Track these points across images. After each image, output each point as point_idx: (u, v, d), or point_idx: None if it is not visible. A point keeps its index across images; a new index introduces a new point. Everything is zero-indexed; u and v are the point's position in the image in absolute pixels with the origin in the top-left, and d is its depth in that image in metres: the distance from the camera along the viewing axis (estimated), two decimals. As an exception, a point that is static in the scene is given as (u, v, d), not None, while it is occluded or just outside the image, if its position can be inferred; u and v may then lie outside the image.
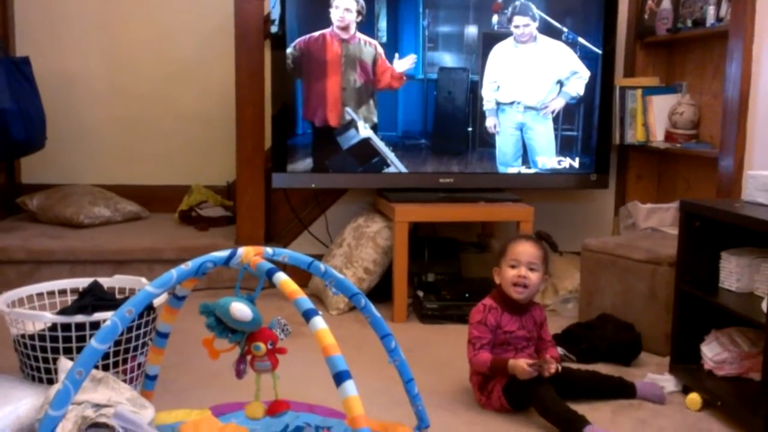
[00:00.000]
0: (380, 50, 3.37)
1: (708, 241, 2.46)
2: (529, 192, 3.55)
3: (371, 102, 3.40)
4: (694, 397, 2.34)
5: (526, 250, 2.31)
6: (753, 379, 2.32)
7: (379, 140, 3.42)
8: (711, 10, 3.14)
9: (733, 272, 2.38)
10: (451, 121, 3.47)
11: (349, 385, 1.33)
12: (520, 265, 2.29)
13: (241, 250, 1.57)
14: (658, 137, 3.55)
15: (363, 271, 3.31)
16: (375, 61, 3.37)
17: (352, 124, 3.39)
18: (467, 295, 3.16)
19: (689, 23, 3.32)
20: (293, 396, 1.88)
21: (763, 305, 2.10)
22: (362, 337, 2.83)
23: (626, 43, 3.76)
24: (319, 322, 1.39)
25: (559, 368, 2.26)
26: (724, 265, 2.41)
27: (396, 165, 3.44)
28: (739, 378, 2.36)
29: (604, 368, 2.62)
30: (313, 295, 3.46)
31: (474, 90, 3.45)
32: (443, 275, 3.32)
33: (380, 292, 3.32)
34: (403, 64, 3.40)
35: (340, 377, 1.34)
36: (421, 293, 3.27)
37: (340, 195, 3.76)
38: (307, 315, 1.40)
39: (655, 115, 3.55)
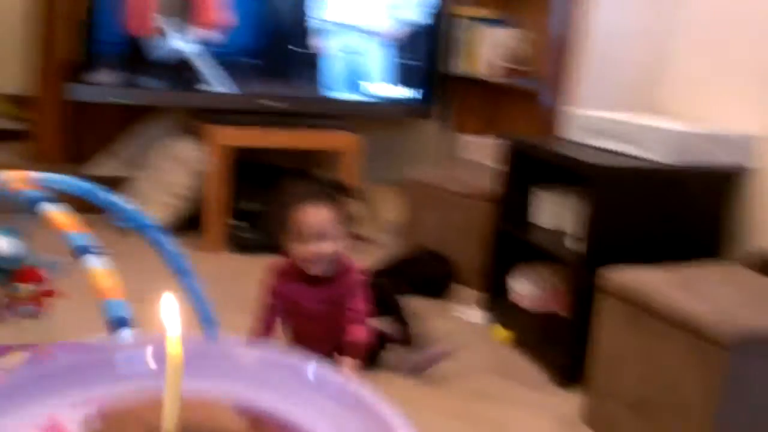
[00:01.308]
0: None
1: (524, 177, 2.50)
2: (357, 120, 3.46)
3: (188, 12, 3.12)
4: (501, 331, 2.41)
5: (310, 220, 1.90)
6: (557, 312, 2.42)
7: (196, 55, 3.16)
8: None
9: (544, 209, 2.44)
10: (279, 40, 3.27)
11: (127, 334, 1.18)
12: (308, 239, 1.90)
13: (2, 175, 1.35)
14: (486, 70, 3.56)
15: (173, 197, 3.10)
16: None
17: (166, 34, 3.10)
18: (286, 224, 3.05)
19: (522, -44, 3.31)
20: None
21: (569, 242, 2.17)
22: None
23: (460, -29, 3.70)
24: (92, 260, 1.22)
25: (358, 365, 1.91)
26: (535, 201, 2.47)
27: (215, 84, 3.20)
28: (546, 313, 2.45)
29: (420, 301, 2.63)
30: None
31: (303, 7, 3.26)
32: (261, 204, 3.18)
33: (195, 220, 3.13)
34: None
35: (116, 324, 1.19)
36: (237, 222, 3.12)
37: (151, 113, 3.46)
38: (78, 252, 1.23)
39: (486, 48, 3.55)
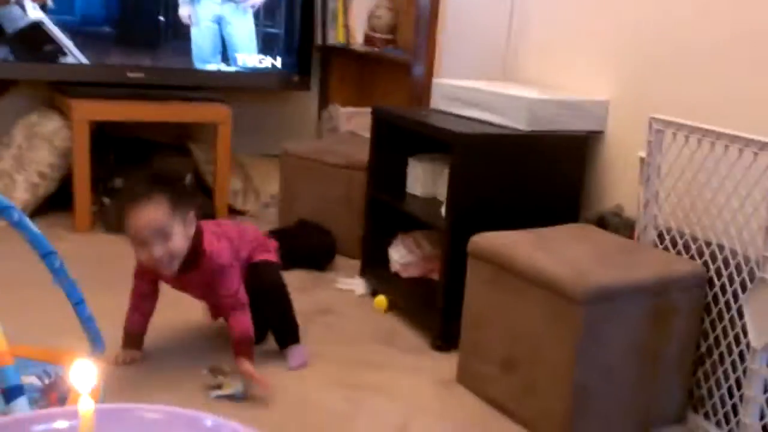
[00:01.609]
0: None
1: (397, 148, 2.56)
2: (229, 91, 3.41)
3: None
4: (381, 299, 2.47)
5: (138, 224, 1.78)
6: (434, 279, 2.51)
7: (52, 24, 3.01)
8: None
9: (418, 178, 2.51)
10: (141, 8, 3.16)
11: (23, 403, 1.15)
12: (142, 244, 1.80)
13: None
14: (358, 40, 3.59)
15: (37, 176, 2.97)
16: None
17: (18, 2, 2.93)
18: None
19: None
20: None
21: (442, 210, 2.24)
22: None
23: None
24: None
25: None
26: (410, 171, 2.54)
27: (75, 55, 3.06)
28: (422, 279, 2.54)
29: (299, 274, 2.66)
30: None
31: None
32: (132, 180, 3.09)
33: (62, 199, 3.01)
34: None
35: (10, 394, 1.16)
36: (107, 200, 3.02)
37: (8, 87, 3.28)
38: None
39: (356, 17, 3.57)
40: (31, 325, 1.91)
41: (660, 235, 1.95)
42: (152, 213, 1.77)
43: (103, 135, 3.15)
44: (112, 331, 1.93)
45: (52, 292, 1.67)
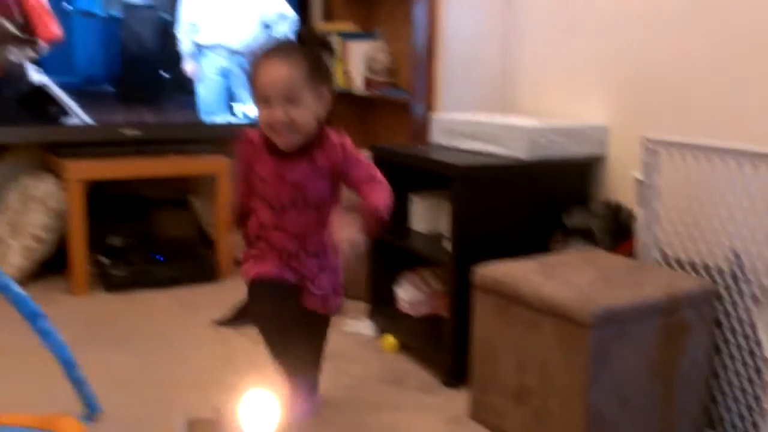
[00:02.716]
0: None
1: (399, 185, 2.59)
2: (230, 143, 3.47)
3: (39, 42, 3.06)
4: (390, 340, 2.48)
5: (274, 79, 1.65)
6: (443, 316, 2.52)
7: (56, 86, 3.09)
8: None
9: (421, 214, 2.55)
10: (142, 66, 3.26)
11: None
12: (272, 102, 1.67)
13: None
14: (358, 83, 3.67)
15: (32, 240, 3.01)
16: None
17: (20, 68, 3.03)
18: (159, 257, 3.03)
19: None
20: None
21: (446, 244, 2.27)
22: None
23: (323, -13, 3.81)
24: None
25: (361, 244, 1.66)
26: (413, 207, 2.57)
27: (79, 115, 3.14)
28: (431, 316, 2.55)
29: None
30: None
31: (168, 31, 3.26)
32: (131, 238, 3.14)
33: (60, 261, 3.06)
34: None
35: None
36: (105, 260, 3.06)
37: (4, 152, 3.35)
38: None
39: (354, 62, 3.66)
40: (22, 391, 1.92)
41: (664, 254, 1.96)
42: (286, 71, 1.65)
43: (99, 192, 3.21)
44: (109, 392, 1.95)
45: (44, 356, 1.68)
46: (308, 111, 1.68)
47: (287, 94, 1.65)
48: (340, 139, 1.77)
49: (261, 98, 1.68)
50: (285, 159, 1.74)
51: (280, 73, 1.65)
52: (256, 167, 1.78)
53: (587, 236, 2.13)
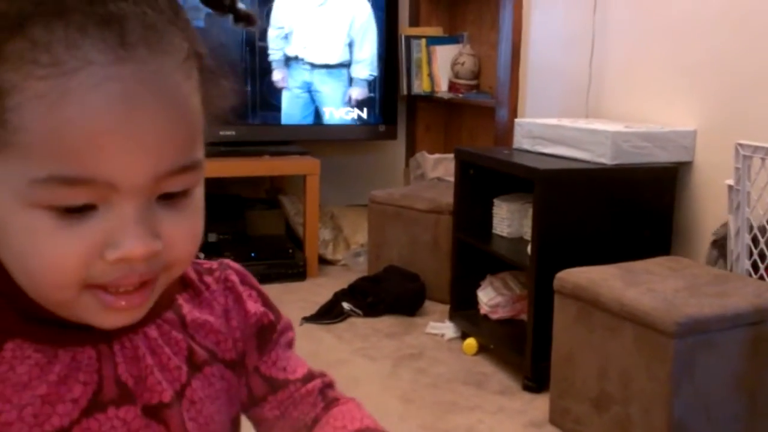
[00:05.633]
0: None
1: (482, 189, 2.61)
2: (317, 144, 3.57)
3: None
4: (471, 342, 2.50)
5: None
6: (524, 320, 2.52)
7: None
8: (487, -40, 3.28)
9: (504, 218, 2.55)
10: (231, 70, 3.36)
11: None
12: None
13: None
14: (442, 87, 3.69)
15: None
16: None
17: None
18: (253, 254, 3.13)
19: (468, -28, 3.45)
20: None
21: (529, 249, 2.27)
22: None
23: (411, -8, 3.85)
24: None
25: None
26: (496, 211, 2.58)
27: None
28: (512, 320, 2.55)
29: (389, 320, 2.72)
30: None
31: (252, 41, 3.36)
32: (226, 234, 3.26)
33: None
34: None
35: None
36: (201, 255, 3.18)
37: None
38: None
39: (439, 66, 3.69)
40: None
41: (754, 264, 1.91)
42: None
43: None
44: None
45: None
46: None
47: None
48: None
49: None
50: None
51: None
52: None
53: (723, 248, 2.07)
